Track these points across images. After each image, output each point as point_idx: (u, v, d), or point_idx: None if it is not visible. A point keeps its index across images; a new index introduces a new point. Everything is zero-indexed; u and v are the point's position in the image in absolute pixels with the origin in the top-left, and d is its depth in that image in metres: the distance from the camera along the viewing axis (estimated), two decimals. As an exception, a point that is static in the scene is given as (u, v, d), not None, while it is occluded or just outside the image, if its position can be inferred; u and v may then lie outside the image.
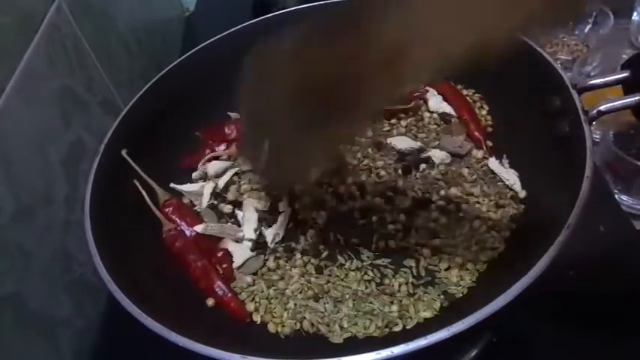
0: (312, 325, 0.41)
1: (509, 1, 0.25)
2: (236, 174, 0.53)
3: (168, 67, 0.56)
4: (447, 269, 0.43)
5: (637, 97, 0.40)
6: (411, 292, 0.42)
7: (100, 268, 0.38)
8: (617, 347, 0.43)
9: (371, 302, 0.41)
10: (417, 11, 0.26)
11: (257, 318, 0.43)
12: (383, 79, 0.27)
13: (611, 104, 0.41)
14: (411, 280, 0.43)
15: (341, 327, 0.41)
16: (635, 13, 0.73)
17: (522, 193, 0.47)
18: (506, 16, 0.25)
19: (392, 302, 0.41)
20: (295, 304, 0.43)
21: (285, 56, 0.32)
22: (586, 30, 0.73)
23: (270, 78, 0.34)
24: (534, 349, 0.44)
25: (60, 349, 0.46)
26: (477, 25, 0.25)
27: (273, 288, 0.44)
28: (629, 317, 0.45)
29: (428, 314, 0.40)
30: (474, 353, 0.44)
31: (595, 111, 0.41)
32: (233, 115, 0.59)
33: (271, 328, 0.42)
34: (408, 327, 0.40)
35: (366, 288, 0.43)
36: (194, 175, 0.54)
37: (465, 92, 0.58)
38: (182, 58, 0.58)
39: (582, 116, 0.40)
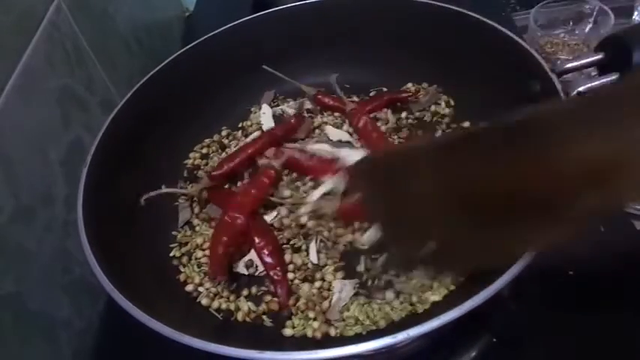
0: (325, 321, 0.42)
1: None
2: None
3: (165, 62, 0.56)
4: None
5: (613, 77, 0.41)
6: None
7: (99, 276, 0.37)
8: (617, 348, 0.43)
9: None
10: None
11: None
12: (588, 196, 0.26)
13: (589, 85, 0.42)
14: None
15: (353, 317, 0.41)
16: (635, 13, 0.73)
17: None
18: None
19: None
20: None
21: (424, 162, 0.32)
22: (586, 30, 0.73)
23: (408, 183, 0.33)
24: (534, 349, 0.44)
25: (60, 349, 0.46)
26: None
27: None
28: (629, 317, 0.45)
29: (436, 297, 0.41)
30: (474, 353, 0.44)
31: (575, 92, 0.42)
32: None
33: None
34: (419, 312, 0.41)
35: None
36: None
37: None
38: (179, 52, 0.58)
39: (563, 98, 0.41)
